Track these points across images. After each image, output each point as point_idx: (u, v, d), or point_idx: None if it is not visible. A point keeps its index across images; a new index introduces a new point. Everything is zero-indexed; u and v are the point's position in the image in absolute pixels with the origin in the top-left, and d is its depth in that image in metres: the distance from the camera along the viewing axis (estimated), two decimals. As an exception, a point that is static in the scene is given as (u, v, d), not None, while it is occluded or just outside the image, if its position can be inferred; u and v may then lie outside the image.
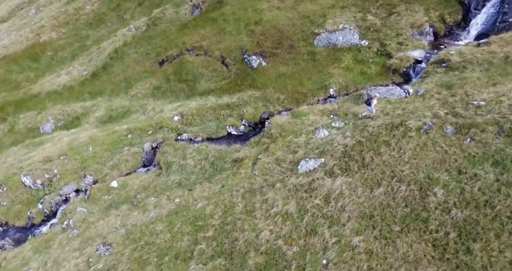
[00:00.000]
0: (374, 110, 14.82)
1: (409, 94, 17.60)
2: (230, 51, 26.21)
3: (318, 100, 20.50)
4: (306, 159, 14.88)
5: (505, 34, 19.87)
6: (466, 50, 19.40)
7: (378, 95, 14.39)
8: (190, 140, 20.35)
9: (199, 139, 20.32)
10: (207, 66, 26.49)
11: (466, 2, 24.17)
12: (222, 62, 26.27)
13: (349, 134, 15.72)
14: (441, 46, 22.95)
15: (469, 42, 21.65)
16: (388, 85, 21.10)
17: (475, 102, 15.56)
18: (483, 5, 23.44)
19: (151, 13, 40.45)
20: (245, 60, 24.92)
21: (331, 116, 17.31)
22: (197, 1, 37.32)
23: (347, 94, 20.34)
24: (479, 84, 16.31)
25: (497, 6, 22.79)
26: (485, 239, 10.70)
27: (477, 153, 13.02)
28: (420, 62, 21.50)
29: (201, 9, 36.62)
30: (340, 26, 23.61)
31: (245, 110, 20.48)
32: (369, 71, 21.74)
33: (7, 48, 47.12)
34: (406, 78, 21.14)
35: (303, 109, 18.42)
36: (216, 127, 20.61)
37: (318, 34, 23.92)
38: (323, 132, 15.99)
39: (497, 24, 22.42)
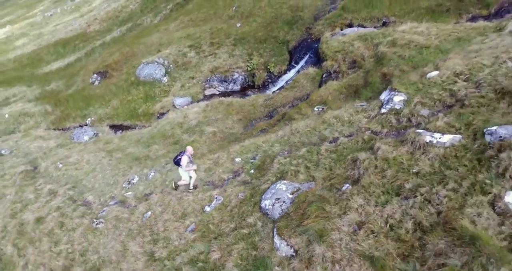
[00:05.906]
0: (184, 173, 9.74)
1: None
2: (99, 64, 28.29)
3: (75, 126, 21.33)
4: None
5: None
6: (192, 109, 17.30)
7: (190, 149, 9.55)
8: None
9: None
10: (84, 75, 29.25)
11: (293, 52, 20.73)
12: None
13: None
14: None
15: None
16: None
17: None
18: (301, 59, 19.93)
19: (155, 16, 43.99)
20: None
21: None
22: (162, 11, 39.82)
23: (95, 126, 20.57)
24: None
25: (306, 62, 19.16)
26: None
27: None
28: (176, 111, 19.77)
29: (161, 19, 38.97)
30: (155, 58, 23.09)
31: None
32: (142, 110, 20.99)
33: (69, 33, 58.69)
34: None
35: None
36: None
37: (140, 64, 23.91)
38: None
39: (287, 82, 19.13)
